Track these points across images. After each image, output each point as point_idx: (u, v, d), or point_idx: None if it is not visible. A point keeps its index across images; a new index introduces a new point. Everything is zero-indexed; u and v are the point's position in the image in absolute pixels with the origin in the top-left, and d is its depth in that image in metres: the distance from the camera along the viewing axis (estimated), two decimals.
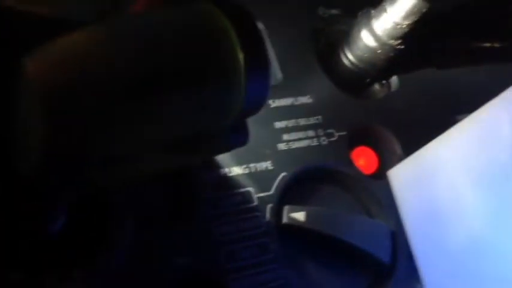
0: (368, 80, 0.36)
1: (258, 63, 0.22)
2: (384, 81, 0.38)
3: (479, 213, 0.29)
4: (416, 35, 0.34)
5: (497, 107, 0.29)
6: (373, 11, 0.33)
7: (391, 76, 0.38)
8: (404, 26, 0.32)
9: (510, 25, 0.48)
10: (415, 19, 0.32)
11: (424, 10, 0.31)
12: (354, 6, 0.36)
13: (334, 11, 0.38)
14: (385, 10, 0.32)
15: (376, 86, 0.38)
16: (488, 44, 0.47)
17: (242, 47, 0.22)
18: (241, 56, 0.22)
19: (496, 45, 0.48)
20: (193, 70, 0.21)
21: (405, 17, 0.32)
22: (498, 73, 0.41)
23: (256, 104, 0.23)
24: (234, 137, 0.25)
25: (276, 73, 0.35)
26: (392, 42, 0.33)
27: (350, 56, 0.35)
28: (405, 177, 0.34)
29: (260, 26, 0.35)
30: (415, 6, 0.31)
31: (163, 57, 0.21)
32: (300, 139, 0.33)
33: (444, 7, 0.42)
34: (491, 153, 0.29)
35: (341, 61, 0.35)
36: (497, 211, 0.28)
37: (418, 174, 0.33)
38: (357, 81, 0.36)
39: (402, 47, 0.34)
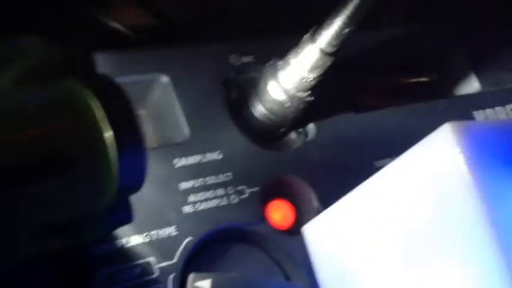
0: (282, 130, 0.35)
1: (131, 141, 0.21)
2: (300, 130, 0.36)
3: (391, 275, 0.28)
4: (332, 80, 0.33)
5: (419, 155, 0.27)
6: (279, 63, 0.32)
7: (307, 124, 0.36)
8: (311, 79, 0.31)
9: (438, 56, 0.47)
10: (321, 72, 0.31)
11: (328, 64, 0.30)
12: (269, 53, 0.34)
13: (246, 59, 0.37)
14: (289, 63, 0.31)
15: (292, 135, 0.36)
16: (414, 80, 0.47)
17: (112, 125, 0.20)
18: (108, 134, 0.20)
19: (423, 79, 0.47)
20: (58, 155, 0.20)
21: (310, 71, 0.30)
22: (425, 112, 0.40)
23: (133, 183, 0.22)
24: (116, 217, 0.23)
25: (183, 129, 0.33)
26: (301, 94, 0.32)
27: (260, 108, 0.33)
28: (320, 233, 0.32)
29: (165, 78, 0.34)
30: (318, 60, 0.30)
31: (21, 142, 0.19)
32: (207, 199, 0.31)
33: (361, 45, 0.41)
34: (410, 206, 0.28)
35: (252, 113, 0.34)
36: (412, 272, 0.27)
37: (332, 231, 0.31)
38: (270, 133, 0.35)
39: (312, 98, 0.32)
